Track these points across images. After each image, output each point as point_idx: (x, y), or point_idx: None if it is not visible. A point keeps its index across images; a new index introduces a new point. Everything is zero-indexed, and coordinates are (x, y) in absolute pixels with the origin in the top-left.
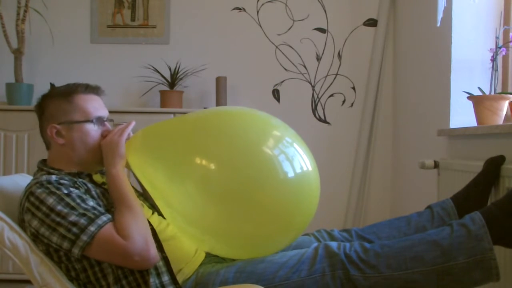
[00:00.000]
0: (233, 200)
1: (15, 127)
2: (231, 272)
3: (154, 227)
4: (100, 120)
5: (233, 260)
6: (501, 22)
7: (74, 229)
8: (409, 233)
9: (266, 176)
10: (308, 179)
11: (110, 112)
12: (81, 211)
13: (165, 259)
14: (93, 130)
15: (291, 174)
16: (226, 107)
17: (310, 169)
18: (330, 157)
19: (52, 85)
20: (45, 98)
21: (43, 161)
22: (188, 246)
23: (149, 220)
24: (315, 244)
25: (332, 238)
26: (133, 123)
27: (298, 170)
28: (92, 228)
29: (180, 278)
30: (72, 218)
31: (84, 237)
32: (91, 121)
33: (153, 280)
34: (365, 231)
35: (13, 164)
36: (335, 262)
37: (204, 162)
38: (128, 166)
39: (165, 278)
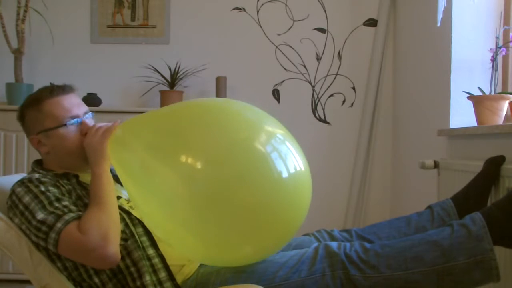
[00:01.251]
0: (214, 204)
1: (15, 127)
2: (231, 272)
3: None
4: (74, 120)
5: None
6: (501, 22)
7: (44, 228)
8: (409, 233)
9: (253, 175)
10: (298, 183)
11: (110, 112)
12: (52, 209)
13: (161, 256)
14: (70, 132)
15: (284, 174)
16: (210, 99)
17: (302, 169)
18: (330, 157)
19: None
20: (20, 109)
21: (37, 161)
22: None
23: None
24: (315, 244)
25: (332, 238)
26: (118, 122)
27: (286, 173)
28: (59, 225)
29: (180, 278)
30: (41, 216)
31: (52, 234)
32: (64, 125)
33: (149, 278)
34: (365, 231)
35: (13, 164)
36: (335, 262)
37: (187, 160)
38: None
39: (162, 274)
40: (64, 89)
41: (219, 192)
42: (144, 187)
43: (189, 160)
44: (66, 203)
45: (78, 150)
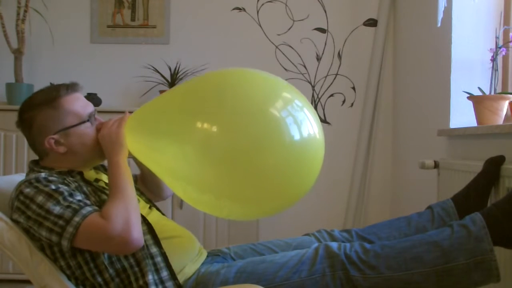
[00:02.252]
0: (234, 163)
1: (15, 127)
2: (231, 272)
3: (154, 223)
4: (92, 117)
5: (234, 260)
6: (501, 22)
7: (60, 222)
8: (409, 234)
9: (268, 139)
10: (312, 145)
11: (110, 112)
12: (67, 204)
13: (163, 255)
14: (89, 128)
15: (295, 137)
16: (225, 69)
17: (313, 134)
18: (330, 157)
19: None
20: (26, 111)
21: (34, 161)
22: (190, 245)
23: (147, 217)
24: (316, 245)
25: (333, 238)
26: (128, 114)
27: (298, 136)
28: (77, 219)
29: (181, 278)
30: (58, 211)
31: (70, 229)
32: (87, 121)
33: (151, 276)
34: (365, 231)
35: (13, 164)
36: (335, 263)
37: (202, 126)
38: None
39: (164, 273)
40: (77, 87)
41: (233, 157)
42: (165, 163)
43: (204, 128)
44: (79, 197)
45: (95, 145)
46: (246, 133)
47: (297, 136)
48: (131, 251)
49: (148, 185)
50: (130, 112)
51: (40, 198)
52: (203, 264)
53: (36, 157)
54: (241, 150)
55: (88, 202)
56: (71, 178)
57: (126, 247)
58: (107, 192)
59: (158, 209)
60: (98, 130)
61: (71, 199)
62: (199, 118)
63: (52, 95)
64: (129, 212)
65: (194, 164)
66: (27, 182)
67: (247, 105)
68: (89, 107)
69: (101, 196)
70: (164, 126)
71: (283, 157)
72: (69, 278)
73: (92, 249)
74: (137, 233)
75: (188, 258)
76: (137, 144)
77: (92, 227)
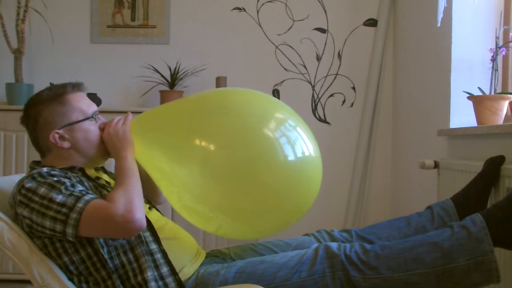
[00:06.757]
0: (233, 180)
1: (15, 127)
2: (231, 272)
3: (152, 223)
4: (96, 115)
5: (234, 260)
6: (501, 22)
7: (64, 210)
8: (409, 234)
9: (266, 158)
10: (310, 164)
11: (110, 112)
12: (69, 192)
13: (163, 252)
14: (93, 125)
15: (291, 157)
16: (227, 88)
17: (312, 154)
18: (330, 157)
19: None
20: (32, 106)
21: (35, 162)
22: (189, 246)
23: (147, 215)
24: (316, 245)
25: (332, 238)
26: (131, 114)
27: (299, 154)
28: (80, 205)
29: (180, 278)
30: (61, 199)
31: (73, 215)
32: (91, 118)
33: (151, 273)
34: (365, 231)
35: (13, 164)
36: (335, 263)
37: (204, 143)
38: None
39: (164, 269)
40: (82, 87)
41: (231, 173)
42: (170, 171)
43: (203, 145)
44: (81, 188)
45: (99, 143)
46: (245, 150)
47: (291, 157)
48: (135, 232)
49: (144, 189)
50: (132, 113)
51: (42, 190)
52: (202, 264)
53: (37, 158)
54: (239, 166)
55: (90, 191)
56: (72, 174)
57: (129, 226)
58: (109, 189)
59: (158, 210)
60: (101, 129)
61: (73, 189)
62: (201, 134)
63: (59, 92)
64: (132, 195)
65: (193, 178)
66: (29, 177)
67: (246, 124)
68: (93, 106)
69: (102, 192)
70: (166, 137)
71: (279, 176)
72: (69, 278)
73: (97, 235)
74: (140, 213)
75: (187, 259)
76: (138, 146)
77: (95, 210)
